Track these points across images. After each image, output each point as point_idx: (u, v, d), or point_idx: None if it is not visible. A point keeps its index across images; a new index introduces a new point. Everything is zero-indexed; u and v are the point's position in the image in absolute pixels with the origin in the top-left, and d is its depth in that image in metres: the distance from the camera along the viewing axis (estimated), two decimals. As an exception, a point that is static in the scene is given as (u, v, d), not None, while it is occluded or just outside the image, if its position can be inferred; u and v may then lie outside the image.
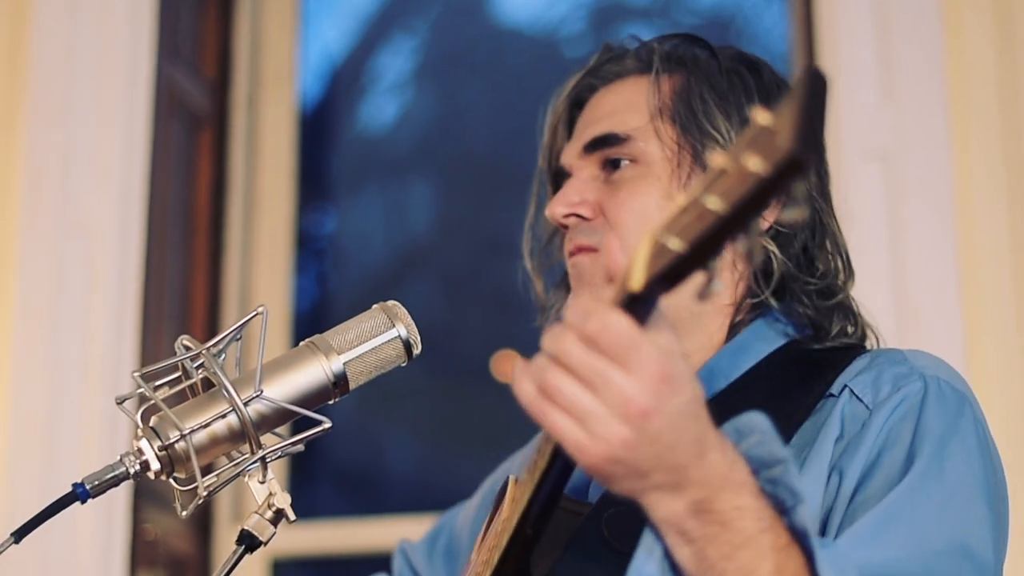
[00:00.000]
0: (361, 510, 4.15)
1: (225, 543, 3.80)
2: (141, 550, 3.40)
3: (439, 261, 4.37)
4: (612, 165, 1.89)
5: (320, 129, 4.25)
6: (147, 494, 3.42)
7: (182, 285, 3.76)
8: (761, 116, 1.21)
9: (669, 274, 1.27)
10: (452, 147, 4.40)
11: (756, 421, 1.44)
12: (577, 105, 2.00)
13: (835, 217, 1.89)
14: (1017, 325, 2.88)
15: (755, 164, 1.19)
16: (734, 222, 1.22)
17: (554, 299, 2.04)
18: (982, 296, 2.90)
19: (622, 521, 1.63)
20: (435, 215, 4.48)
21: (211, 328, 3.84)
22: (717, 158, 1.24)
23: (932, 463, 1.57)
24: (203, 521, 3.77)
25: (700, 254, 1.25)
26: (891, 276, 2.92)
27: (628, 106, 1.90)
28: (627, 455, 1.34)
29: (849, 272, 1.87)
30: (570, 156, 1.94)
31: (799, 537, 1.41)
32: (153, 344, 3.49)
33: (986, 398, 1.78)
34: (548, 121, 2.03)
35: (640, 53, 1.95)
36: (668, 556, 1.42)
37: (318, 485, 4.16)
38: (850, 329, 1.84)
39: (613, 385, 1.31)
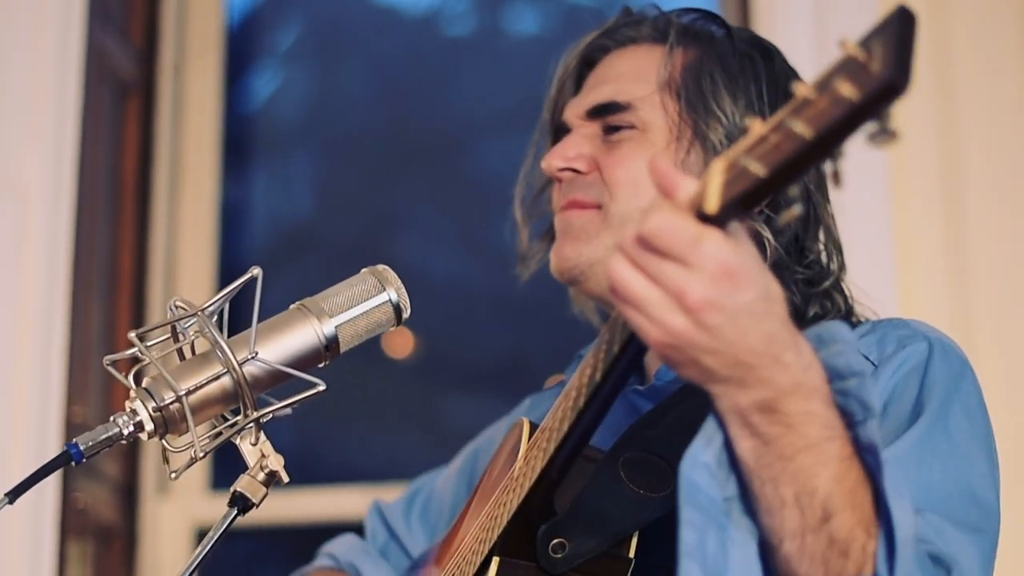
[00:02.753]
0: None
1: (151, 512, 3.77)
2: (71, 519, 3.36)
3: (322, 237, 4.35)
4: (612, 129, 1.92)
5: (236, 101, 4.22)
6: (76, 462, 3.38)
7: (109, 250, 3.72)
8: (850, 47, 1.22)
9: (746, 198, 1.29)
10: (332, 124, 4.37)
11: (839, 331, 1.48)
12: (588, 63, 2.02)
13: (830, 211, 1.92)
14: (952, 313, 3.00)
15: (848, 90, 1.20)
16: (820, 147, 1.23)
17: (536, 250, 2.07)
18: (917, 282, 3.01)
19: (637, 464, 1.67)
20: (317, 192, 4.45)
21: (138, 293, 3.81)
22: (802, 88, 1.25)
23: (939, 416, 1.62)
24: (129, 490, 3.74)
25: (780, 178, 1.27)
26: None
27: (636, 74, 1.93)
28: (683, 344, 1.38)
29: (840, 264, 1.89)
30: (573, 114, 1.97)
31: (864, 450, 1.44)
32: (83, 307, 3.46)
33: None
34: (557, 74, 2.04)
35: (657, 22, 1.97)
36: (727, 447, 1.45)
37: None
38: (828, 314, 1.85)
39: (667, 277, 1.35)
